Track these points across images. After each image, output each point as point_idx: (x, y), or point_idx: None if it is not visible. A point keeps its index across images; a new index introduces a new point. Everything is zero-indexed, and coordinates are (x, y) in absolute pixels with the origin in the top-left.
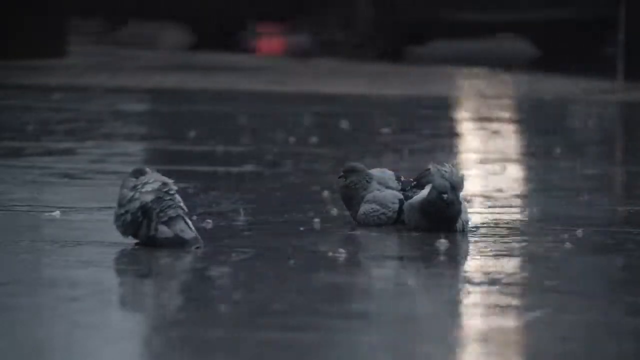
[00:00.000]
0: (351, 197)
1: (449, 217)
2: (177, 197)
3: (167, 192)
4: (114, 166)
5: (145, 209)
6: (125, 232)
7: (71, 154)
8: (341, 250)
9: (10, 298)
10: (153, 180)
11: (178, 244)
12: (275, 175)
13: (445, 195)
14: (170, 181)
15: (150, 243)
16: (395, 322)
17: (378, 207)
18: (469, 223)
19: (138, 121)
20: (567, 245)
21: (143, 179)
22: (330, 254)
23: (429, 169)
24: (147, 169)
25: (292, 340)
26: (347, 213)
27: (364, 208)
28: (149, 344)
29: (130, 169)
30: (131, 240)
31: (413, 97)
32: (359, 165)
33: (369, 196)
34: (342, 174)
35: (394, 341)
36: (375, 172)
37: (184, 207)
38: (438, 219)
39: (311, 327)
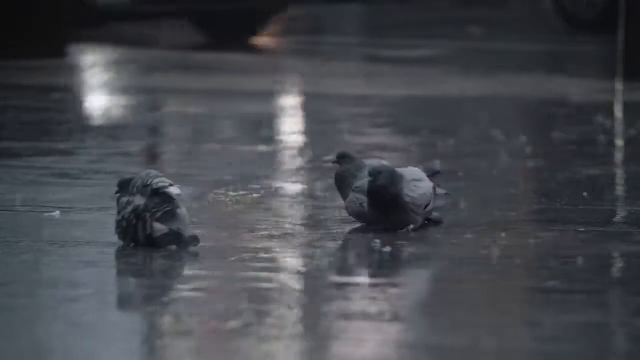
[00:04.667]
0: (341, 183)
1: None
2: (156, 180)
3: (147, 185)
4: (113, 166)
5: (137, 212)
6: (124, 238)
7: (71, 154)
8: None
9: (10, 298)
10: (137, 180)
11: (175, 239)
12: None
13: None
14: (145, 173)
15: (150, 243)
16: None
17: (363, 197)
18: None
19: (137, 121)
20: (567, 244)
21: (132, 182)
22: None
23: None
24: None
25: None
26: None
27: (351, 196)
28: (148, 344)
29: (129, 169)
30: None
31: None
32: (352, 152)
33: (358, 183)
34: (335, 159)
35: None
36: (372, 163)
37: (167, 182)
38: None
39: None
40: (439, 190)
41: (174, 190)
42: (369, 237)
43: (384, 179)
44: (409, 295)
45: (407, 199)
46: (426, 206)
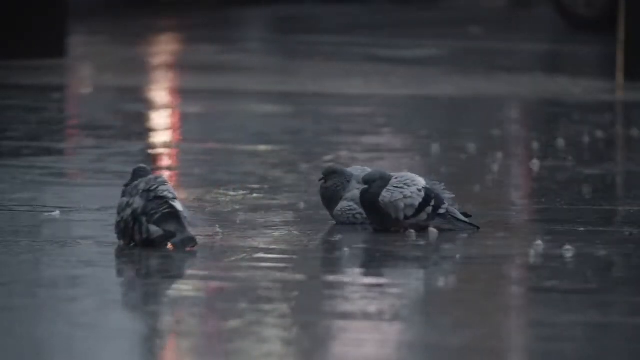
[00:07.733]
0: (331, 198)
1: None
2: (161, 187)
3: (150, 191)
4: (114, 166)
5: (135, 215)
6: (123, 239)
7: (71, 154)
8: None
9: (10, 298)
10: (140, 182)
11: (170, 239)
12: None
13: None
14: (153, 177)
15: (148, 245)
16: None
17: (355, 206)
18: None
19: (138, 121)
20: (567, 245)
21: (134, 184)
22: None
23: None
24: (143, 168)
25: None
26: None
27: (341, 205)
28: (148, 344)
29: (129, 168)
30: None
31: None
32: (338, 166)
33: (348, 195)
34: (322, 177)
35: None
36: (355, 170)
37: (172, 194)
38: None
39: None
40: (447, 195)
41: (177, 205)
42: (367, 239)
43: (378, 188)
44: (409, 295)
45: (382, 198)
46: (412, 215)
